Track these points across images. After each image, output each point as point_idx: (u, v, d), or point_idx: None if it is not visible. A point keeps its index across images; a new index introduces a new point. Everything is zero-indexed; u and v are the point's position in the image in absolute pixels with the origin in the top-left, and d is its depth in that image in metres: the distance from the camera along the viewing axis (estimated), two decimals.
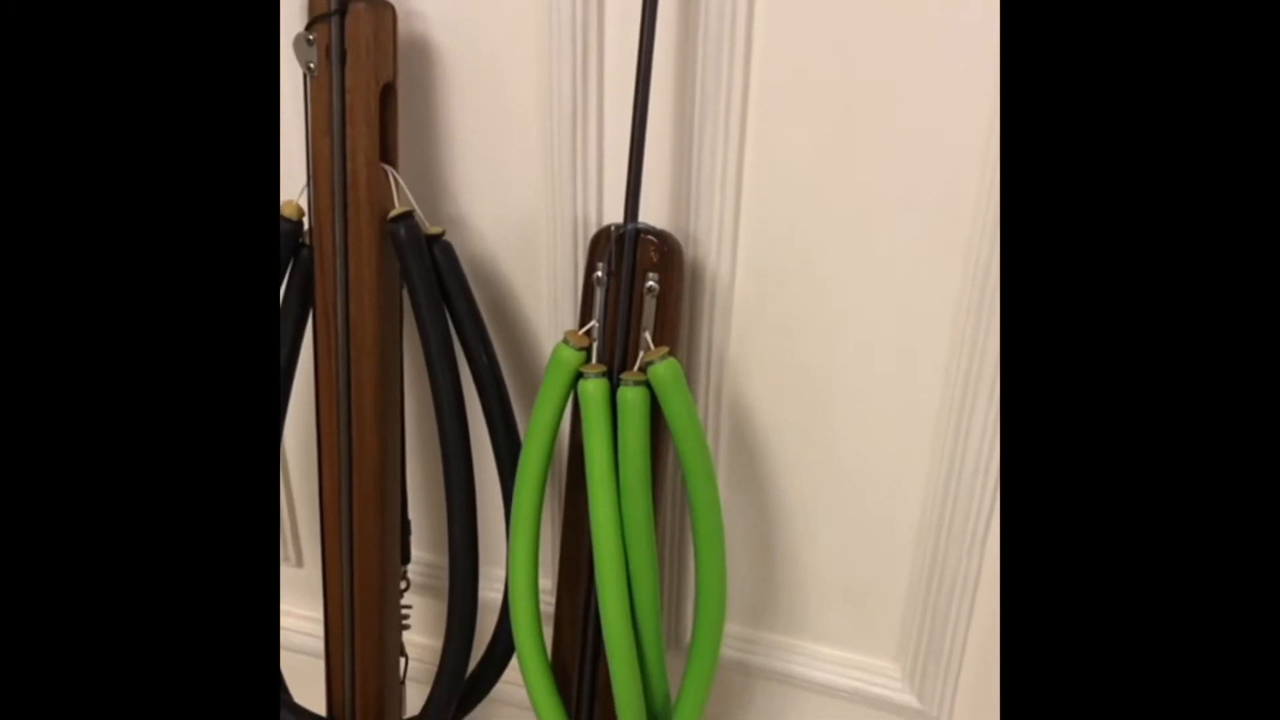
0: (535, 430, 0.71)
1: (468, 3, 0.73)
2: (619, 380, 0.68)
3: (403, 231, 0.73)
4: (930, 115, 0.66)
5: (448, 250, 0.76)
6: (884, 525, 0.81)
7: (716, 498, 0.71)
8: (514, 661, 0.80)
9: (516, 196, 0.78)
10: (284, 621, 1.03)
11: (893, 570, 0.82)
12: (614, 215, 0.74)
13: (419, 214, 0.74)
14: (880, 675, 0.87)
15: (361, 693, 0.86)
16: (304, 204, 0.74)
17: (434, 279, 0.75)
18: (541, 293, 0.81)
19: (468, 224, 0.81)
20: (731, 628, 0.89)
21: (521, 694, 0.78)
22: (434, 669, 0.83)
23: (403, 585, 0.86)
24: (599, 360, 0.71)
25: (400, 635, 0.87)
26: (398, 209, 0.73)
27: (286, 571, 1.03)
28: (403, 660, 0.89)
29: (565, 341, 0.70)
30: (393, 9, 0.70)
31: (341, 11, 0.68)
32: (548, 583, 0.80)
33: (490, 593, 0.86)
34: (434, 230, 0.75)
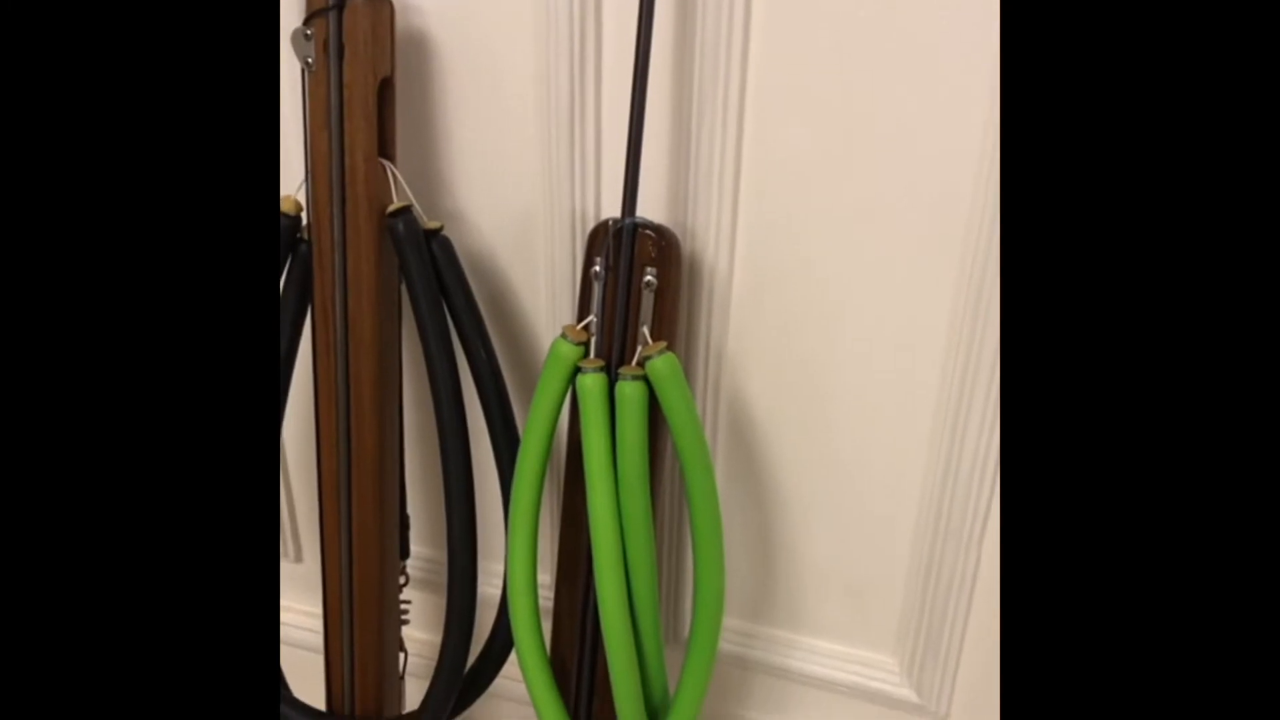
0: (533, 425, 0.71)
1: None
2: (617, 375, 0.68)
3: (401, 226, 0.73)
4: (928, 111, 0.66)
5: (446, 245, 0.76)
6: (882, 519, 0.81)
7: (714, 492, 0.71)
8: (513, 656, 0.80)
9: (514, 191, 0.78)
10: (283, 617, 1.03)
11: (891, 564, 0.82)
12: (612, 210, 0.74)
13: (417, 209, 0.74)
14: (878, 669, 0.87)
15: (361, 687, 0.86)
16: (302, 199, 0.74)
17: (432, 274, 0.75)
18: (539, 287, 0.81)
19: (466, 219, 0.81)
20: (730, 622, 0.89)
21: (520, 688, 0.78)
22: (433, 664, 0.83)
23: (402, 580, 0.86)
24: (597, 355, 0.71)
25: (399, 630, 0.88)
26: (396, 204, 0.73)
27: (286, 567, 1.03)
28: (402, 655, 0.89)
29: (563, 336, 0.70)
30: (390, 4, 0.69)
31: (339, 6, 0.68)
32: (546, 577, 0.80)
33: (489, 588, 0.87)
34: (432, 225, 0.75)
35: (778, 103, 0.69)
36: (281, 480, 0.98)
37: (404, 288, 0.75)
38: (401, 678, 0.90)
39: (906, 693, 0.86)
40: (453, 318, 0.76)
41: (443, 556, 0.80)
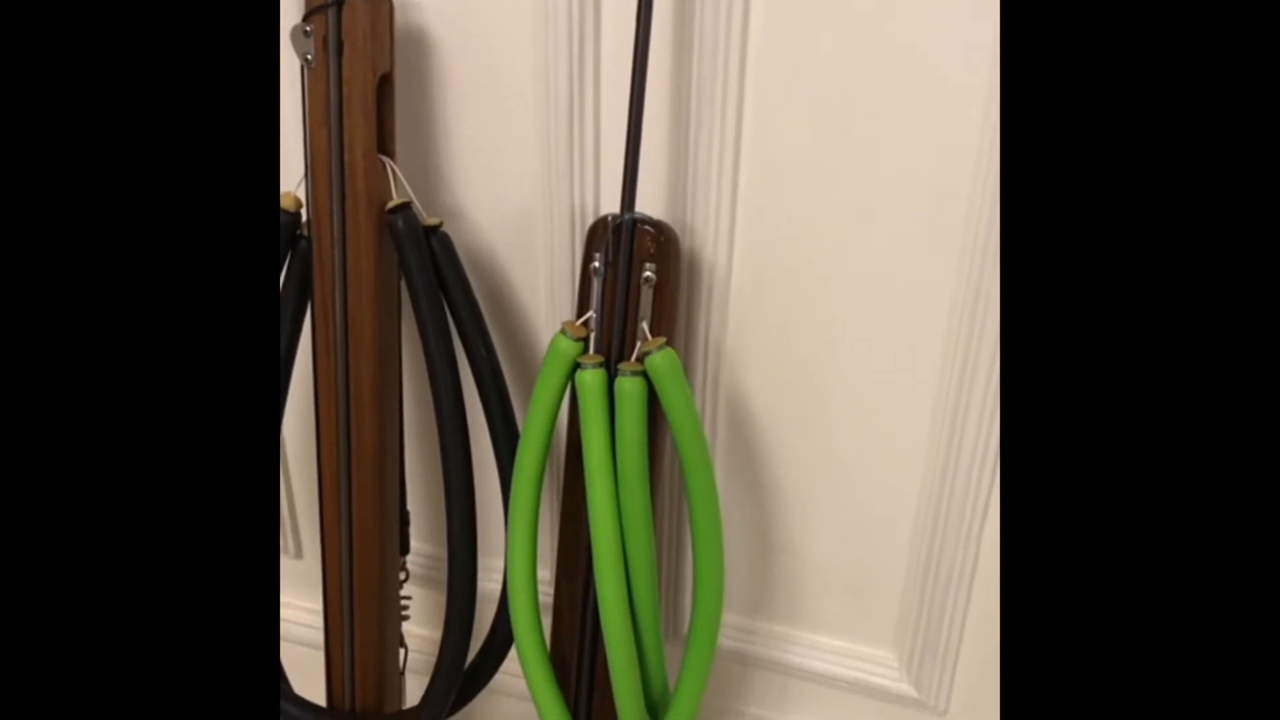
0: (533, 421, 0.71)
1: None
2: (616, 370, 0.69)
3: (400, 223, 0.73)
4: (927, 107, 0.66)
5: (445, 241, 0.76)
6: (881, 516, 0.81)
7: (714, 488, 0.71)
8: (513, 652, 0.80)
9: (514, 187, 0.78)
10: (283, 613, 1.03)
11: (890, 560, 0.82)
12: (611, 205, 0.74)
13: (416, 205, 0.74)
14: (878, 664, 0.87)
15: (361, 683, 0.86)
16: (302, 196, 0.74)
17: (432, 270, 0.75)
18: (539, 283, 0.81)
19: (465, 215, 0.81)
20: (729, 617, 0.89)
21: (520, 684, 0.78)
22: (433, 660, 0.83)
23: (402, 576, 0.86)
24: (596, 351, 0.71)
25: (399, 626, 0.88)
26: (395, 200, 0.73)
27: (286, 563, 1.03)
28: (402, 651, 0.89)
29: (563, 332, 0.70)
30: (390, 0, 0.70)
31: (339, 3, 0.68)
32: (546, 573, 0.80)
33: (489, 583, 0.87)
34: (431, 221, 0.75)
35: (776, 99, 0.69)
36: (281, 476, 0.98)
37: (403, 284, 0.76)
38: (402, 673, 0.90)
39: (906, 688, 0.87)
40: (452, 314, 0.76)
41: (443, 552, 0.81)
